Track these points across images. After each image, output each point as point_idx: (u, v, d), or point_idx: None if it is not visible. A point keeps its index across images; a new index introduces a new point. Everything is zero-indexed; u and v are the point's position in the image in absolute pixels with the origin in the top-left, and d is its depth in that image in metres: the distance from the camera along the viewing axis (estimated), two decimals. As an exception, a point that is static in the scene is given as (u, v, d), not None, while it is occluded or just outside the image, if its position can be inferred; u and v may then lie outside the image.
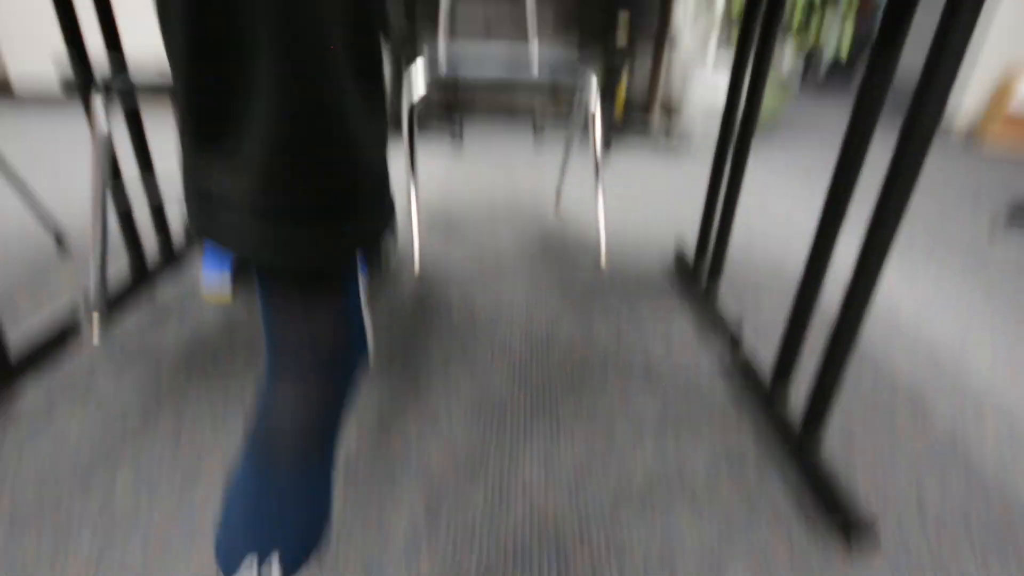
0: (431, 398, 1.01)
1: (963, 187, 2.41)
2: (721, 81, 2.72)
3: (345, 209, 0.41)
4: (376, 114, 0.42)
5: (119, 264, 1.37)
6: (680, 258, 1.54)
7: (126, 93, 1.00)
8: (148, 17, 2.82)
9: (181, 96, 0.37)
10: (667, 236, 1.75)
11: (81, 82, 0.97)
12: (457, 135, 2.83)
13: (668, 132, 3.04)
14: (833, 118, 3.86)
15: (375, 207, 0.44)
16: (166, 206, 1.51)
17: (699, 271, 1.41)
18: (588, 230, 1.77)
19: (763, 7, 1.11)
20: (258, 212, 0.38)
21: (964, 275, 1.58)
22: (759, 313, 1.34)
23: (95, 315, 1.14)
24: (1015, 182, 2.52)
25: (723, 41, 2.95)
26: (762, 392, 1.02)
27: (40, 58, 2.97)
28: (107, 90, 0.99)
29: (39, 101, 3.03)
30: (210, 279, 1.27)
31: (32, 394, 0.97)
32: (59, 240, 1.45)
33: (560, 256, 1.59)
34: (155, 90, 0.98)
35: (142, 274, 1.30)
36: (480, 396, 1.02)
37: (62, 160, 2.12)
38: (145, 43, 2.86)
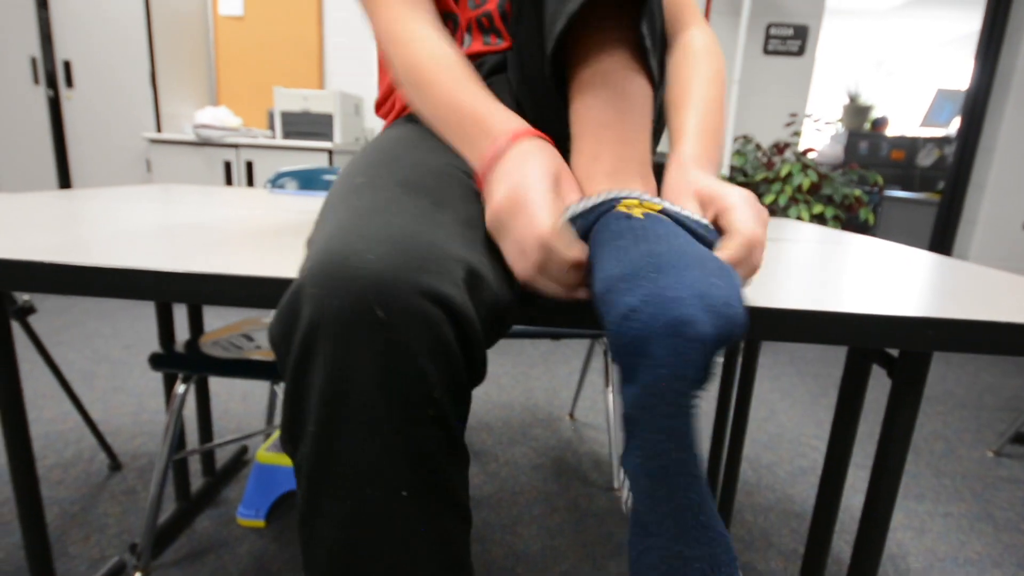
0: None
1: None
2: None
3: None
4: None
5: (164, 493, 1.48)
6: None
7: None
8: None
9: None
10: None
11: (167, 364, 1.17)
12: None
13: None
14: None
15: None
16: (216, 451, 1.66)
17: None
18: (603, 441, 1.86)
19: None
20: None
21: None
22: (768, 561, 1.37)
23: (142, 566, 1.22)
24: (1014, 391, 2.61)
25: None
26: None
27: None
28: (188, 376, 1.18)
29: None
30: (246, 514, 1.38)
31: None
32: (114, 467, 1.58)
33: (574, 470, 1.66)
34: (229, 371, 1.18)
35: (186, 508, 1.41)
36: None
37: (117, 358, 2.33)
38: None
